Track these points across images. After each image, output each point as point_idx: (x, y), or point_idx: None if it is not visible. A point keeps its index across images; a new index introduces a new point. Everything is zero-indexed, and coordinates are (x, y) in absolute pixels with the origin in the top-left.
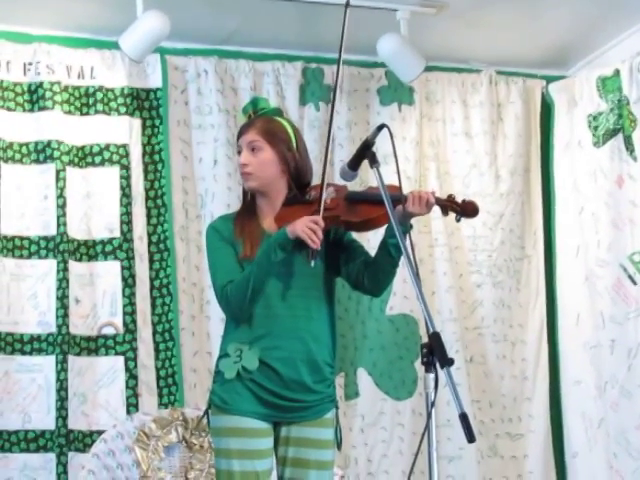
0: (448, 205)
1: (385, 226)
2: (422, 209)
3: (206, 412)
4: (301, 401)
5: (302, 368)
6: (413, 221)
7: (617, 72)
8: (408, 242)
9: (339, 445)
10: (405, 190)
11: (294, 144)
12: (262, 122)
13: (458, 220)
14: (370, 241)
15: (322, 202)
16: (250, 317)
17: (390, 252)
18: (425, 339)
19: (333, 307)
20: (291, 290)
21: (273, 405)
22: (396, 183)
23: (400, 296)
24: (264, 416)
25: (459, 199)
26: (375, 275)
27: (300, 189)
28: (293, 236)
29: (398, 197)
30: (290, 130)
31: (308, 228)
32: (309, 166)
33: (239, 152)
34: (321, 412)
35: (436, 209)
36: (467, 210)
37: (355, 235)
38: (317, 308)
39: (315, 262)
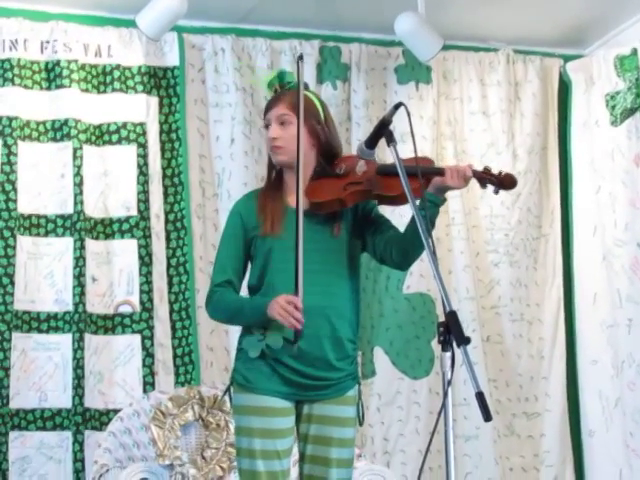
0: (486, 178)
1: (418, 200)
2: (460, 182)
3: (228, 389)
4: (324, 379)
5: (325, 345)
6: None
7: (635, 51)
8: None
9: (361, 421)
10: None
11: (322, 117)
12: (291, 96)
13: (496, 192)
14: (403, 217)
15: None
16: (273, 294)
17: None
18: (442, 318)
19: (357, 283)
20: (314, 266)
21: (296, 384)
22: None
23: (417, 275)
24: (287, 395)
25: (495, 171)
26: (405, 248)
27: (329, 163)
28: (271, 316)
29: (435, 170)
30: (318, 103)
31: (284, 310)
32: (338, 140)
33: (267, 126)
34: (343, 390)
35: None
36: (505, 182)
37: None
38: (340, 284)
39: (297, 346)
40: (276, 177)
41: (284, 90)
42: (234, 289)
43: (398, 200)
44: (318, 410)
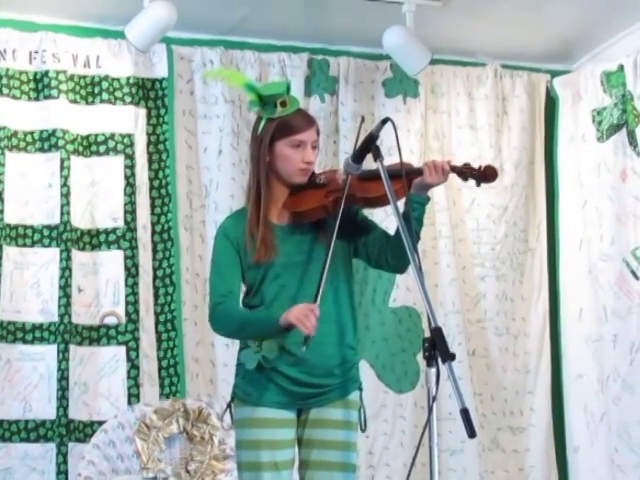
0: (467, 171)
1: (403, 200)
2: (439, 178)
3: (229, 405)
4: (324, 386)
5: (329, 351)
6: None
7: (621, 67)
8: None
9: (362, 427)
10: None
11: None
12: (316, 122)
13: (478, 185)
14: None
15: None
16: (269, 306)
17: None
18: (428, 332)
19: (352, 289)
20: (309, 276)
21: (296, 394)
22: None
23: (403, 288)
24: (287, 405)
25: (475, 165)
26: (398, 249)
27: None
28: (285, 323)
29: (414, 170)
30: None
31: (302, 315)
32: None
33: (296, 146)
34: (345, 393)
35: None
36: (487, 174)
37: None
38: (336, 291)
39: (306, 348)
40: (257, 194)
41: (302, 111)
42: (235, 299)
43: (382, 201)
44: (320, 414)
